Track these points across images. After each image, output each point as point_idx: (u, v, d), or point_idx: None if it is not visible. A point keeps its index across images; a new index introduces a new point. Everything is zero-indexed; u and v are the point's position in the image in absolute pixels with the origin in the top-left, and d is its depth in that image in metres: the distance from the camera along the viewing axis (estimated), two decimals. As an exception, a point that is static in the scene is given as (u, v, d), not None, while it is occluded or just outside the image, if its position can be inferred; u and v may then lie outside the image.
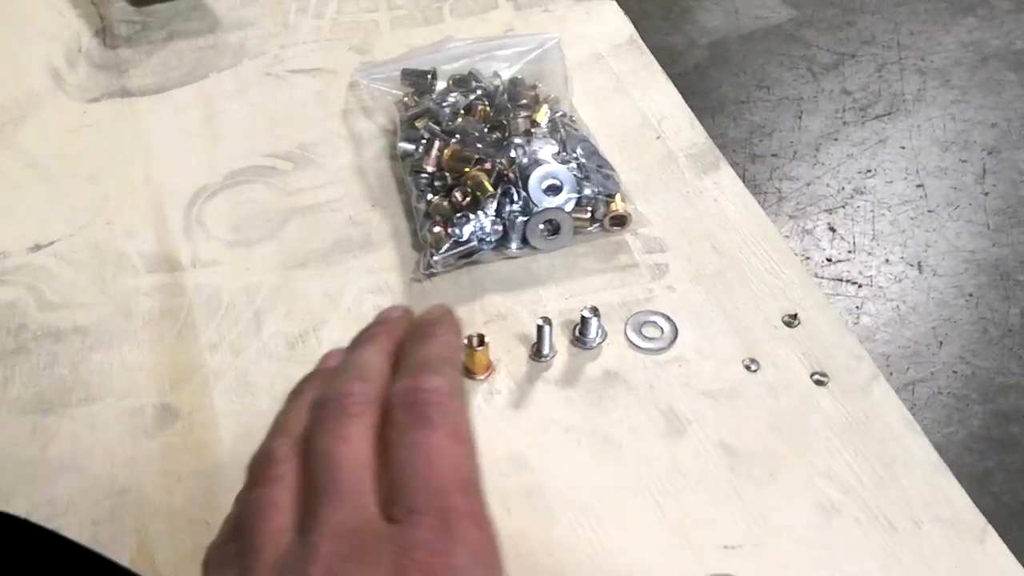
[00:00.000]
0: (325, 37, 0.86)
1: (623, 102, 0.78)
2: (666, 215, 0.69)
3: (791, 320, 0.63)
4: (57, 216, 0.71)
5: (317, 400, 0.35)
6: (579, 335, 0.61)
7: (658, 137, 0.75)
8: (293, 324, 0.64)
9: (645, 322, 0.62)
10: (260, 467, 0.34)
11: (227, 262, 0.68)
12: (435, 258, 0.64)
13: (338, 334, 0.63)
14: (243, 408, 0.59)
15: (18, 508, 0.54)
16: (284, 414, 0.37)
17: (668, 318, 0.63)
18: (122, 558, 0.52)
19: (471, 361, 0.60)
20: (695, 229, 0.68)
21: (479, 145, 0.68)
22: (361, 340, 0.39)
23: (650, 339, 0.62)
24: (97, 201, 0.72)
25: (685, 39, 2.26)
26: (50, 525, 0.52)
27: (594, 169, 0.68)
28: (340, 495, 0.31)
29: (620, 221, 0.66)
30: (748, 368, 0.60)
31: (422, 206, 0.67)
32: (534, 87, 0.74)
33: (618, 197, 0.67)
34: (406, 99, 0.75)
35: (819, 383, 0.60)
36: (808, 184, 1.96)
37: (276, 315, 0.64)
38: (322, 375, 0.38)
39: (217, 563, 0.33)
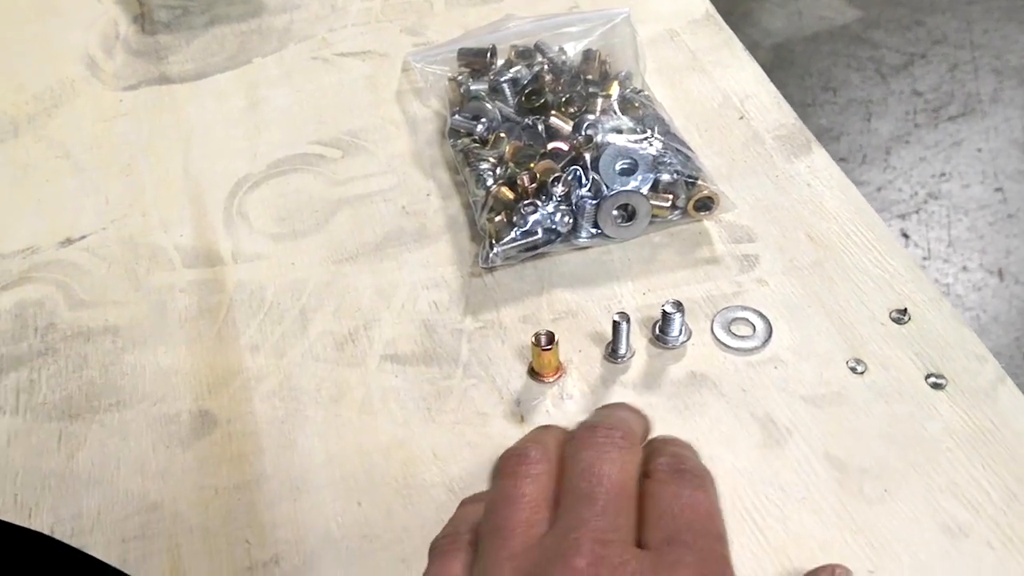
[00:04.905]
0: (376, 18, 0.80)
1: (701, 81, 0.71)
2: (753, 202, 0.62)
3: (900, 316, 0.55)
4: (90, 208, 0.66)
5: (585, 423, 0.36)
6: (660, 333, 0.55)
7: (741, 118, 0.68)
8: (342, 323, 0.58)
9: (735, 319, 0.55)
10: (512, 462, 0.35)
11: (271, 256, 0.62)
12: (496, 251, 0.58)
13: (391, 333, 0.57)
14: (287, 415, 0.53)
15: (42, 523, 0.50)
16: (538, 430, 0.38)
17: (761, 314, 0.56)
18: (151, 581, 0.47)
19: (538, 362, 0.54)
20: (787, 217, 0.61)
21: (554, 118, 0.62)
22: (611, 406, 0.40)
23: (741, 337, 0.55)
24: (132, 193, 0.67)
25: (747, 41, 2.17)
26: (75, 543, 0.48)
27: (673, 150, 0.61)
28: (601, 505, 0.32)
29: (706, 204, 0.59)
30: (854, 370, 0.53)
31: (481, 193, 0.61)
32: (604, 62, 0.68)
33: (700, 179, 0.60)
34: (459, 77, 0.69)
35: (936, 386, 0.52)
36: (879, 189, 1.87)
37: (323, 313, 0.58)
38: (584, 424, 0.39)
39: (446, 549, 0.34)
